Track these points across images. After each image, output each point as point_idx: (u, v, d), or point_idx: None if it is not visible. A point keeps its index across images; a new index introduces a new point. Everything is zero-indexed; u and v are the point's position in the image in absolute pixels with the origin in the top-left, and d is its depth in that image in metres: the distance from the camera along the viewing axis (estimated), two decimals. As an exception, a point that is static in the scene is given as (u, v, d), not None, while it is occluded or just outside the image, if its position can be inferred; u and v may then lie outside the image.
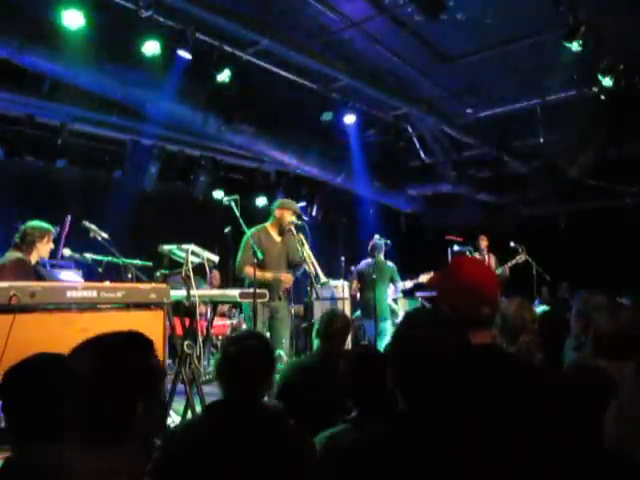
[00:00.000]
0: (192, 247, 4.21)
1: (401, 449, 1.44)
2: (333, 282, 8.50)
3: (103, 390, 1.49)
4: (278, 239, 5.47)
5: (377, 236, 7.58)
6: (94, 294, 3.34)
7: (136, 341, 1.68)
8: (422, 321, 1.59)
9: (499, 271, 8.20)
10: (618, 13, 6.25)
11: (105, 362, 1.55)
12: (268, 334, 5.12)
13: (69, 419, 1.56)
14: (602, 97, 7.21)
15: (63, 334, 3.10)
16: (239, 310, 5.43)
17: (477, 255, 8.42)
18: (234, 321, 8.22)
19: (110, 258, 4.51)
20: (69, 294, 3.23)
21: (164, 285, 3.79)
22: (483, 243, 8.56)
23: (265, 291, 4.63)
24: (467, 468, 1.40)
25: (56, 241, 5.21)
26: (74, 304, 3.26)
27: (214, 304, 4.98)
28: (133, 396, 1.54)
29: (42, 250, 4.40)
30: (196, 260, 4.29)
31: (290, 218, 5.36)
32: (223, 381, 2.10)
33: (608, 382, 1.87)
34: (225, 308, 8.39)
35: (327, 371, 3.01)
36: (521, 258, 8.26)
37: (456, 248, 8.14)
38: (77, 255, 4.71)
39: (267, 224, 5.54)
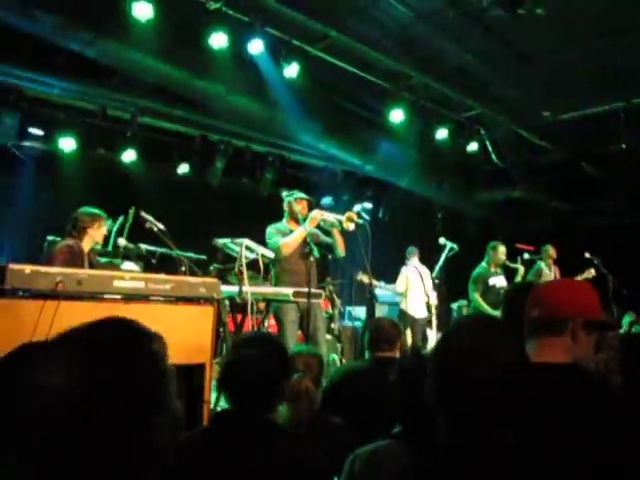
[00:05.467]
0: (246, 241, 4.10)
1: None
2: (393, 285, 8.31)
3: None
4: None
5: (442, 239, 7.31)
6: (142, 285, 3.26)
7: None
8: (470, 331, 1.35)
9: None
10: None
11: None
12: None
13: None
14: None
15: (107, 324, 3.03)
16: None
17: (543, 265, 8.01)
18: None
19: (164, 250, 4.46)
20: (116, 283, 3.15)
21: (215, 280, 3.67)
22: (551, 252, 8.14)
23: (321, 291, 4.48)
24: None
25: (121, 232, 5.24)
26: (121, 294, 3.18)
27: (268, 301, 4.85)
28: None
29: (95, 236, 4.35)
30: (250, 255, 4.18)
31: (299, 206, 5.24)
32: (223, 390, 1.93)
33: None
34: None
35: (374, 379, 2.84)
36: (590, 273, 7.81)
37: (526, 257, 7.74)
38: (132, 245, 4.68)
39: (283, 221, 5.37)
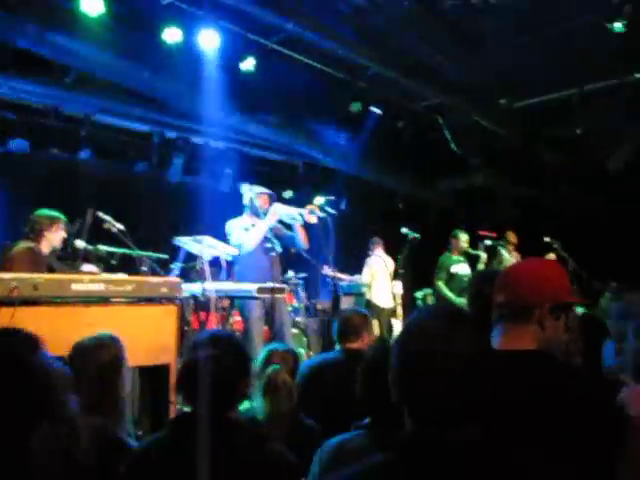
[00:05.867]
0: (208, 239, 4.04)
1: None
2: (358, 277, 8.33)
3: None
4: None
5: (404, 229, 7.34)
6: (101, 287, 3.19)
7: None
8: (432, 320, 1.31)
9: None
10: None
11: None
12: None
13: None
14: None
15: (67, 329, 2.95)
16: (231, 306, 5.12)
17: (504, 251, 8.12)
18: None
19: (124, 250, 4.37)
20: (74, 287, 3.08)
21: (177, 279, 3.62)
22: (512, 239, 8.26)
23: (284, 286, 4.46)
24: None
25: (79, 233, 5.10)
26: (80, 298, 3.11)
27: (232, 298, 4.81)
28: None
29: (53, 239, 4.24)
30: (212, 252, 4.13)
31: (260, 200, 5.21)
32: (181, 393, 1.91)
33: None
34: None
35: (344, 370, 2.85)
36: (550, 257, 7.94)
37: (488, 243, 7.83)
38: (90, 247, 4.57)
39: (244, 216, 5.31)
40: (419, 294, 9.73)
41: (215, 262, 4.47)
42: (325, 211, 5.32)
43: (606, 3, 5.58)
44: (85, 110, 7.53)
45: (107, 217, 4.30)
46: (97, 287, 3.18)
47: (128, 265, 4.46)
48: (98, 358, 2.25)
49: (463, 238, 7.44)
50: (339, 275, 8.10)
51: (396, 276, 7.98)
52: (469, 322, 1.31)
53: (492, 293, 1.88)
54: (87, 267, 5.02)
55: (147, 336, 3.35)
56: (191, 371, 1.86)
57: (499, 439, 1.35)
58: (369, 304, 8.18)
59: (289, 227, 5.34)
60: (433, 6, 6.26)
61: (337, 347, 3.29)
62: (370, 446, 1.90)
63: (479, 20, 6.56)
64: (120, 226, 4.28)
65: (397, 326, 8.11)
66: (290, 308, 6.79)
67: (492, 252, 8.05)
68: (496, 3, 5.97)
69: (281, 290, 4.39)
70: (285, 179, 9.87)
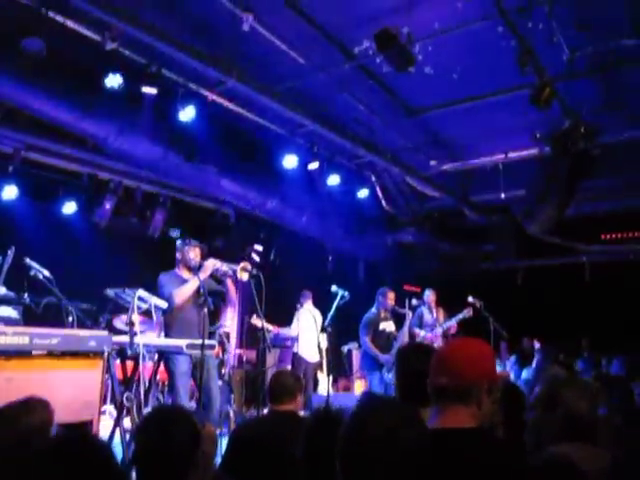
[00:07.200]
0: (139, 292, 3.97)
1: None
2: (287, 329, 8.31)
3: None
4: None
5: (334, 287, 7.37)
6: (25, 340, 3.07)
7: None
8: (375, 414, 1.38)
9: (447, 325, 8.12)
10: (579, 76, 6.43)
11: None
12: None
13: None
14: (562, 157, 7.27)
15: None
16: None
17: (425, 310, 8.30)
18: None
19: (50, 299, 4.21)
20: (-4, 339, 2.95)
21: (105, 332, 3.52)
22: (431, 297, 8.46)
23: (214, 342, 4.41)
24: None
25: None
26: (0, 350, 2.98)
27: (160, 353, 4.70)
28: None
29: None
30: (143, 305, 4.05)
31: (192, 253, 5.21)
32: (138, 471, 1.89)
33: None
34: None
35: (276, 432, 2.86)
36: (468, 312, 8.16)
37: (414, 302, 7.99)
38: (12, 294, 4.38)
39: (176, 269, 5.32)
40: (344, 348, 9.77)
41: (146, 314, 4.37)
42: (256, 266, 5.33)
43: (529, 82, 5.96)
44: (13, 145, 7.31)
45: (34, 263, 4.15)
46: (20, 340, 3.06)
47: (54, 315, 4.30)
48: (24, 423, 2.15)
49: (390, 296, 7.58)
50: (267, 326, 8.05)
51: (323, 330, 8.00)
52: (411, 416, 1.36)
53: (418, 365, 1.97)
54: (3, 309, 4.80)
55: (70, 391, 3.24)
56: (144, 450, 1.84)
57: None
58: (295, 357, 8.15)
59: (219, 282, 5.31)
60: (371, 71, 6.53)
61: (268, 408, 3.28)
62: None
63: (415, 86, 6.89)
64: (47, 273, 4.14)
65: (323, 380, 8.10)
66: (217, 360, 6.69)
67: (414, 310, 8.22)
68: (430, 73, 6.28)
69: (211, 347, 4.35)
70: (216, 227, 9.83)
